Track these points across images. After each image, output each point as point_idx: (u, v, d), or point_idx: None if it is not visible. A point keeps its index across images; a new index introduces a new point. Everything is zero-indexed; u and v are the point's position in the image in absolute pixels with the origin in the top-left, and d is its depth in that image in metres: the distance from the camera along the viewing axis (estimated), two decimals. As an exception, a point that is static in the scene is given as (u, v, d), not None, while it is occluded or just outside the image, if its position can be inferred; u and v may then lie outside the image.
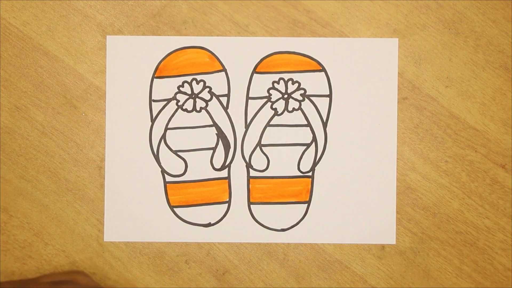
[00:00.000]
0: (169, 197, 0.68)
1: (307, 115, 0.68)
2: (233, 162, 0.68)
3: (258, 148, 0.68)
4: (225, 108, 0.68)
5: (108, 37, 0.68)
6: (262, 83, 0.68)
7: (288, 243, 0.68)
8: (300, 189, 0.67)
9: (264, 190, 0.68)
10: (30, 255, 0.68)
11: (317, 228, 0.67)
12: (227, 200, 0.68)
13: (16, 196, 0.68)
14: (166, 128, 0.68)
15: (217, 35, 0.68)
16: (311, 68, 0.68)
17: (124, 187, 0.68)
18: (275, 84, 0.68)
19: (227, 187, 0.68)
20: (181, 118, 0.68)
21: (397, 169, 0.68)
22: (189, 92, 0.68)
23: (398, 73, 0.68)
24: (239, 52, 0.68)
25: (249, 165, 0.68)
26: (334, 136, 0.68)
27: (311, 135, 0.68)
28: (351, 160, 0.68)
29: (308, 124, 0.68)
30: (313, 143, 0.68)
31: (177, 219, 0.68)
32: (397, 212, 0.68)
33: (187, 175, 0.68)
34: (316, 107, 0.68)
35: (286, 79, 0.68)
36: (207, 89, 0.68)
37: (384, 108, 0.68)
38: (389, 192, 0.68)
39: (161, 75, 0.68)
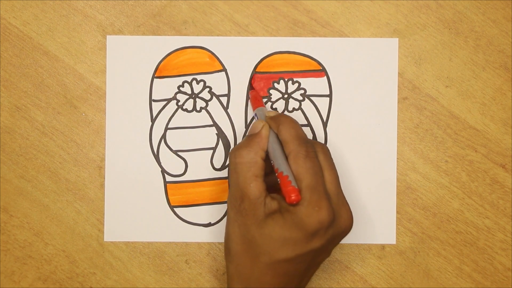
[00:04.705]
0: (169, 197, 0.68)
1: (307, 115, 0.68)
2: (233, 162, 0.68)
3: (258, 148, 0.68)
4: (225, 108, 0.68)
5: (108, 37, 0.68)
6: (262, 83, 0.68)
7: (288, 243, 0.67)
8: (300, 189, 0.67)
9: (264, 190, 0.68)
10: (30, 255, 0.68)
11: (317, 228, 0.67)
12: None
13: (16, 196, 0.68)
14: (166, 128, 0.68)
15: (217, 35, 0.68)
16: (311, 68, 0.68)
17: (124, 187, 0.68)
18: (275, 84, 0.68)
19: (227, 187, 0.68)
20: (181, 118, 0.68)
21: (397, 169, 0.68)
22: (189, 92, 0.68)
23: (398, 73, 0.68)
24: (239, 52, 0.68)
25: (249, 165, 0.68)
26: (334, 136, 0.68)
27: (311, 135, 0.68)
28: (351, 160, 0.68)
29: (308, 124, 0.68)
30: (313, 143, 0.68)
31: (177, 219, 0.68)
32: (397, 212, 0.68)
33: (187, 175, 0.68)
34: (316, 107, 0.68)
35: (286, 79, 0.68)
36: (207, 89, 0.68)
37: (384, 108, 0.68)
38: (389, 192, 0.68)
39: (161, 75, 0.68)
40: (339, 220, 0.59)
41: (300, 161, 0.58)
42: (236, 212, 0.58)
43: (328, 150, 0.61)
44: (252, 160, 0.59)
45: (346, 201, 0.60)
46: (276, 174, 0.59)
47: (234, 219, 0.59)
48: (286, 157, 0.59)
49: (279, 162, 0.59)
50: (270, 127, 0.61)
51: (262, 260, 0.57)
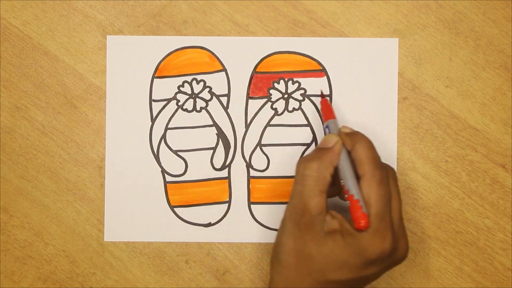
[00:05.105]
0: (169, 197, 0.68)
1: (307, 115, 0.68)
2: (233, 162, 0.68)
3: (258, 148, 0.68)
4: (225, 108, 0.68)
5: (108, 37, 0.68)
6: (262, 83, 0.68)
7: (288, 243, 0.67)
8: (300, 189, 0.67)
9: (264, 190, 0.68)
10: (30, 255, 0.68)
11: (317, 228, 0.67)
12: (227, 200, 0.68)
13: (16, 196, 0.68)
14: (166, 128, 0.68)
15: (217, 35, 0.68)
16: (311, 68, 0.68)
17: (124, 187, 0.68)
18: (275, 84, 0.68)
19: (227, 187, 0.68)
20: (181, 118, 0.68)
21: (397, 169, 0.68)
22: (189, 92, 0.68)
23: (398, 73, 0.68)
24: (239, 52, 0.68)
25: (249, 165, 0.68)
26: (334, 136, 0.68)
27: (311, 135, 0.68)
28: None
29: (308, 124, 0.68)
30: (313, 143, 0.68)
31: (177, 219, 0.68)
32: (397, 212, 0.68)
33: (187, 175, 0.68)
34: (316, 107, 0.68)
35: (286, 79, 0.68)
36: (207, 89, 0.68)
37: (384, 108, 0.68)
38: (389, 192, 0.68)
39: (161, 75, 0.68)
40: (396, 250, 0.58)
41: (374, 186, 0.56)
42: (294, 225, 0.57)
43: (396, 176, 0.60)
44: (321, 175, 0.57)
45: (405, 231, 0.59)
46: (346, 196, 0.57)
47: (291, 231, 0.57)
48: (357, 178, 0.58)
49: (349, 183, 0.57)
50: (343, 144, 0.59)
51: (313, 277, 0.57)
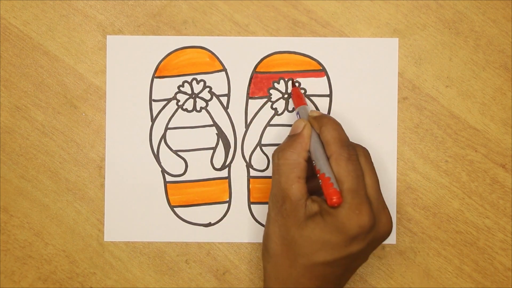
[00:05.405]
0: (169, 197, 0.68)
1: (307, 115, 0.68)
2: (233, 162, 0.68)
3: (258, 148, 0.68)
4: (225, 108, 0.68)
5: (108, 37, 0.68)
6: (262, 83, 0.68)
7: (288, 243, 0.67)
8: (300, 189, 0.67)
9: (264, 190, 0.68)
10: (30, 255, 0.68)
11: (317, 228, 0.67)
12: (227, 200, 0.68)
13: (16, 196, 0.68)
14: (166, 128, 0.68)
15: (217, 35, 0.68)
16: (311, 68, 0.68)
17: (124, 187, 0.68)
18: (275, 84, 0.68)
19: (227, 187, 0.68)
20: (181, 118, 0.68)
21: (397, 169, 0.68)
22: (189, 92, 0.68)
23: (398, 73, 0.68)
24: (239, 52, 0.68)
25: (249, 165, 0.68)
26: (334, 136, 0.68)
27: (311, 135, 0.68)
28: (351, 160, 0.68)
29: (308, 124, 0.68)
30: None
31: (177, 219, 0.68)
32: (397, 212, 0.68)
33: (187, 175, 0.68)
34: (316, 107, 0.68)
35: (286, 79, 0.68)
36: (207, 89, 0.68)
37: (384, 108, 0.68)
38: (389, 192, 0.68)
39: (161, 75, 0.68)
40: (378, 225, 0.58)
41: (342, 163, 0.57)
42: (277, 213, 0.58)
43: (369, 154, 0.60)
44: (295, 161, 0.58)
45: (386, 206, 0.59)
46: (318, 175, 0.58)
47: (275, 220, 0.58)
48: (328, 158, 0.58)
49: (320, 163, 0.58)
50: (312, 127, 0.60)
51: (300, 262, 0.57)
